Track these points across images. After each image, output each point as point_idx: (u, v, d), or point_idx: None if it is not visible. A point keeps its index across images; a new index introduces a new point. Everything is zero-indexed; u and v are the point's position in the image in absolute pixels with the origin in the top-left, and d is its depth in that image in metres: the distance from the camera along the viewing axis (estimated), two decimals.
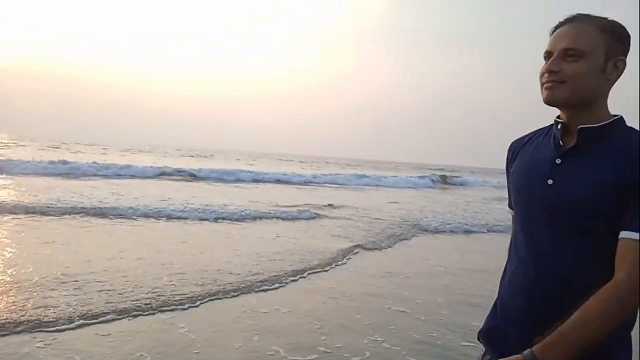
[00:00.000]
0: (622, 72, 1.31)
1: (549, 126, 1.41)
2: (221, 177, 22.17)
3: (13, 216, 8.73)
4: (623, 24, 1.32)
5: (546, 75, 1.30)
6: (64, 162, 19.98)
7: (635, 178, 1.19)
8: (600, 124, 1.29)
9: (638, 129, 1.30)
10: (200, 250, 7.27)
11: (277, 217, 11.12)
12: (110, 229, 8.41)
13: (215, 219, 10.19)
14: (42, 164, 19.01)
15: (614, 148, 1.25)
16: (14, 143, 43.47)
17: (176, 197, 13.25)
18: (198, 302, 4.84)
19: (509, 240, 1.48)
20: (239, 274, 5.91)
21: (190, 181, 20.46)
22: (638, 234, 1.17)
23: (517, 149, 1.47)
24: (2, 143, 42.35)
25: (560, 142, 1.32)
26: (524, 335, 1.25)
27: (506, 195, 1.54)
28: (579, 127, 1.29)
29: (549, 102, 1.31)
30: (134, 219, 9.51)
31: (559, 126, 1.33)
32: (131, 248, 7.05)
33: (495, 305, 1.43)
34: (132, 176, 19.84)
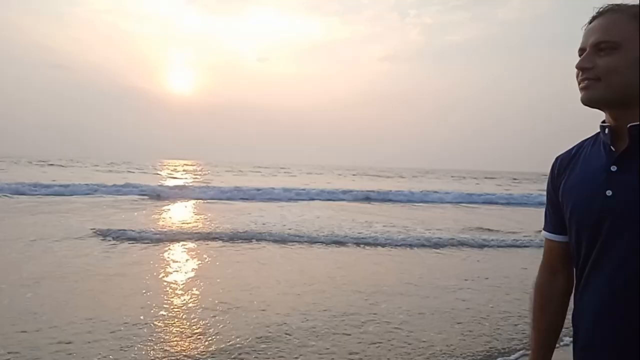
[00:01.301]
0: None
1: (595, 134, 1.26)
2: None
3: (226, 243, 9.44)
4: None
5: (580, 73, 1.17)
6: (257, 189, 22.04)
7: None
8: None
9: None
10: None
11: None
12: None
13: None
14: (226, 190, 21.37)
15: None
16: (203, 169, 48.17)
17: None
18: None
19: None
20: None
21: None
22: None
23: (564, 164, 1.30)
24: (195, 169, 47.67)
25: (612, 147, 1.17)
26: None
27: None
28: (628, 125, 1.13)
29: (585, 102, 1.17)
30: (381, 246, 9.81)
31: (607, 130, 1.18)
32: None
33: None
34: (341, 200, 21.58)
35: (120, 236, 9.48)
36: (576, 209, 1.21)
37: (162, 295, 5.84)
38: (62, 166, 45.17)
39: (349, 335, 4.68)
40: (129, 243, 9.04)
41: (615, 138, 1.16)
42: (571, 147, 1.31)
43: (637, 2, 1.15)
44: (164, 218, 13.58)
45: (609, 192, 1.13)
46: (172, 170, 50.43)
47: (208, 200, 18.91)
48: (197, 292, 6.00)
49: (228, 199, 19.90)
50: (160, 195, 19.40)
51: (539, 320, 1.36)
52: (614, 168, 1.14)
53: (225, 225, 11.56)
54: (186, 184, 27.36)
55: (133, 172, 39.25)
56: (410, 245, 9.93)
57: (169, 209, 15.81)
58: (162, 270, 7.18)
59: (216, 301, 5.57)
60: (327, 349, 4.31)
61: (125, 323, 4.73)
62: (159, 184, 24.54)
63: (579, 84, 1.17)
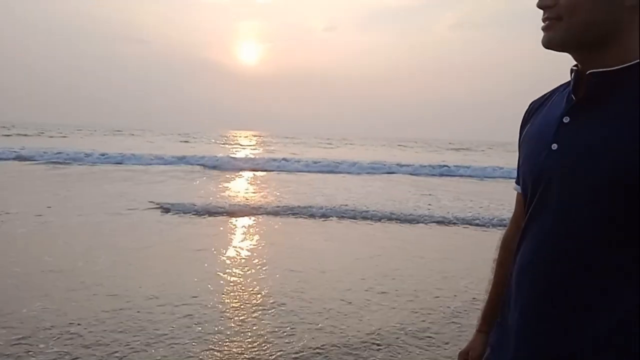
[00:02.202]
0: None
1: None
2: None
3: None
4: None
5: (542, 13, 0.99)
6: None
7: None
8: (618, 67, 0.93)
9: None
10: None
11: None
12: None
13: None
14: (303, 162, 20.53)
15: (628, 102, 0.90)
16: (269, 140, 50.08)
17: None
18: None
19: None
20: None
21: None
22: None
23: (533, 110, 1.14)
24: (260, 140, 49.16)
25: (572, 95, 0.99)
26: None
27: None
28: (587, 72, 0.96)
29: (546, 45, 1.00)
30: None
31: (572, 75, 1.00)
32: None
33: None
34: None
35: (183, 209, 8.83)
36: (525, 161, 1.09)
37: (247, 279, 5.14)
38: (133, 135, 46.53)
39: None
40: (192, 216, 8.46)
41: (578, 85, 1.00)
42: (548, 90, 1.14)
43: None
44: (235, 191, 12.93)
45: (554, 146, 0.99)
46: (237, 142, 51.40)
47: (275, 172, 18.27)
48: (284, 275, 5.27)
49: (297, 170, 18.96)
50: (225, 167, 18.74)
51: (497, 274, 1.25)
52: (566, 119, 0.99)
53: (318, 197, 10.82)
54: (252, 155, 26.77)
55: (199, 143, 39.98)
56: None
57: (238, 181, 15.30)
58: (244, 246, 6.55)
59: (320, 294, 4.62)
60: None
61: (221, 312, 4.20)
62: (225, 154, 24.00)
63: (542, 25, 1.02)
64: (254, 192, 12.36)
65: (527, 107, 1.17)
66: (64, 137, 38.45)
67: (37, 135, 38.00)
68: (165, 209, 8.79)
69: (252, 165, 19.76)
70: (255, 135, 76.25)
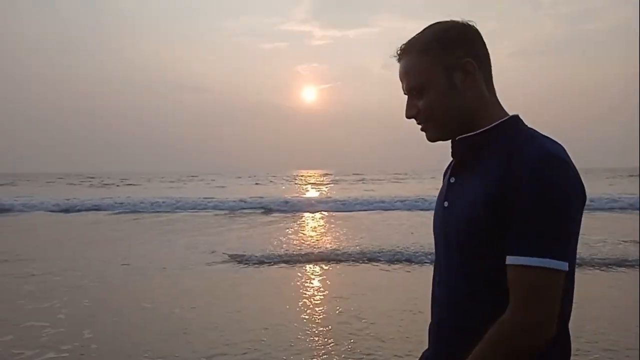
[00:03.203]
0: (478, 70, 1.13)
1: None
2: None
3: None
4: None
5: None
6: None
7: (513, 188, 1.03)
8: (478, 131, 1.14)
9: (534, 130, 1.13)
10: None
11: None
12: None
13: None
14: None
15: (497, 154, 1.09)
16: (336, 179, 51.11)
17: None
18: None
19: None
20: None
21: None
22: (522, 257, 1.02)
23: (445, 174, 1.29)
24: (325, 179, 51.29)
25: (453, 159, 1.24)
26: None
27: None
28: (456, 138, 1.17)
29: (430, 141, 1.21)
30: None
31: (451, 142, 1.21)
32: None
33: None
34: None
35: (252, 260, 8.32)
36: (434, 217, 1.26)
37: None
38: (201, 180, 47.98)
39: None
40: (265, 266, 7.96)
41: (454, 150, 1.20)
42: None
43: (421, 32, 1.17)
44: (319, 234, 12.34)
45: (445, 203, 1.19)
46: (307, 181, 52.02)
47: (346, 212, 17.53)
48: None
49: (374, 209, 18.24)
50: (292, 209, 18.34)
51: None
52: (452, 179, 1.19)
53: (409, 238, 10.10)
54: (318, 196, 26.43)
55: (270, 185, 40.21)
56: None
57: (319, 223, 14.77)
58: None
59: None
60: None
61: None
62: (299, 195, 23.79)
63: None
64: (339, 236, 11.68)
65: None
66: (136, 185, 40.43)
67: (105, 186, 40.02)
68: (246, 259, 8.33)
69: (327, 206, 19.09)
70: (324, 174, 76.56)
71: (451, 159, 1.26)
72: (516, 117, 1.14)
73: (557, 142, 1.09)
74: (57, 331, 4.77)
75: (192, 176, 60.49)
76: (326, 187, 38.16)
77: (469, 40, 1.14)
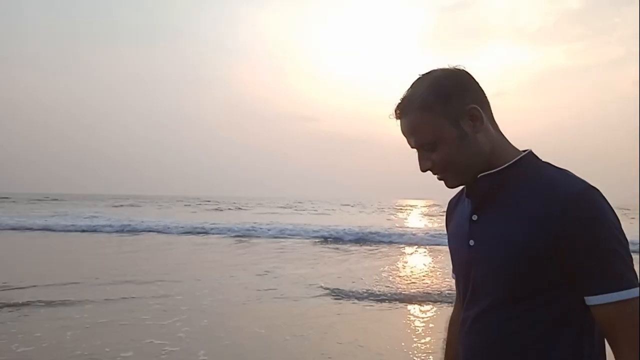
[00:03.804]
0: (483, 114, 1.13)
1: None
2: None
3: None
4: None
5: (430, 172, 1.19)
6: None
7: (561, 227, 1.02)
8: (498, 168, 1.14)
9: (550, 164, 1.14)
10: None
11: None
12: None
13: None
14: None
15: (526, 192, 1.10)
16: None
17: None
18: None
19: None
20: None
21: None
22: (610, 294, 1.00)
23: (451, 209, 1.35)
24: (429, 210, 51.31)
25: (468, 197, 1.21)
26: None
27: None
28: (478, 176, 1.16)
29: (453, 188, 1.21)
30: None
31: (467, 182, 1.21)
32: None
33: None
34: None
35: (352, 295, 7.96)
36: (453, 258, 1.27)
37: None
38: (306, 211, 48.57)
39: None
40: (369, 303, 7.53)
41: (471, 187, 1.18)
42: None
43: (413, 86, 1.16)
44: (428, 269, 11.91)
45: (471, 242, 1.17)
46: (407, 211, 50.86)
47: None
48: None
49: None
50: (398, 240, 17.77)
51: (447, 355, 1.42)
52: (474, 217, 1.17)
53: None
54: (428, 227, 25.55)
55: (372, 212, 39.57)
56: None
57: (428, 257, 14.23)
58: None
59: None
60: None
61: None
62: (399, 226, 23.17)
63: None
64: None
65: (447, 206, 1.37)
66: (245, 209, 42.04)
67: (217, 210, 42.16)
68: (350, 294, 8.16)
69: (437, 240, 18.39)
70: (429, 205, 74.75)
71: (452, 195, 1.33)
72: (531, 153, 1.16)
73: (576, 175, 1.10)
74: (174, 349, 4.93)
75: (298, 202, 61.91)
76: (437, 218, 37.07)
77: (464, 86, 1.14)
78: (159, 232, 19.34)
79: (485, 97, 1.17)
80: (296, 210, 45.45)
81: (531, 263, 1.05)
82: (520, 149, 1.18)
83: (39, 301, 6.90)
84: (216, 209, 43.08)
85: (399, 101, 1.15)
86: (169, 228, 20.11)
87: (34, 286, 7.90)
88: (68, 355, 4.72)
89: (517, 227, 1.07)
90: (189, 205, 52.25)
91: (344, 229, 19.56)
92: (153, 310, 6.51)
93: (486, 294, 1.13)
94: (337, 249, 15.25)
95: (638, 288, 1.00)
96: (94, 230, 19.51)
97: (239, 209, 43.99)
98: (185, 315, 6.28)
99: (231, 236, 18.46)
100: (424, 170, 1.17)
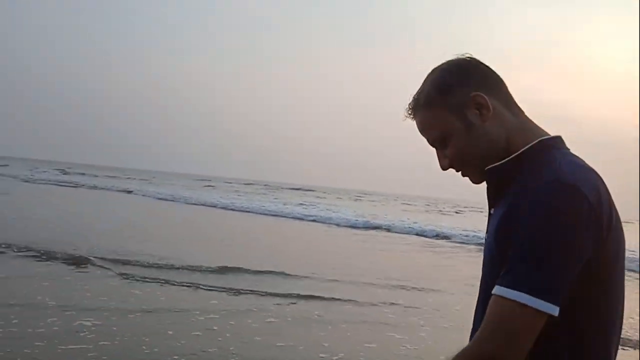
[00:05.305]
0: (490, 100, 1.08)
1: None
2: None
3: None
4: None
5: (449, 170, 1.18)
6: None
7: (514, 219, 0.99)
8: (502, 161, 1.09)
9: (561, 154, 1.05)
10: None
11: None
12: None
13: None
14: None
15: (518, 184, 1.05)
16: None
17: None
18: None
19: None
20: None
21: None
22: (498, 287, 0.98)
23: None
24: None
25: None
26: None
27: None
28: (486, 169, 1.12)
29: (479, 184, 1.16)
30: None
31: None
32: None
33: None
34: None
35: None
36: None
37: None
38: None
39: None
40: None
41: (487, 182, 1.17)
42: None
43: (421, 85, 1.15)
44: None
45: (486, 236, 1.15)
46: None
47: None
48: None
49: None
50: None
51: None
52: (492, 211, 1.15)
53: None
54: None
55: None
56: None
57: None
58: None
59: None
60: None
61: None
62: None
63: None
64: None
65: None
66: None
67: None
68: None
69: None
70: None
71: None
72: (543, 141, 1.07)
73: (580, 168, 1.01)
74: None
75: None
76: None
77: (467, 74, 1.10)
78: (416, 235, 19.26)
79: (496, 80, 1.11)
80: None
81: (495, 255, 1.03)
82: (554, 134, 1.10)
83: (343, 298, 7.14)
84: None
85: (410, 101, 1.15)
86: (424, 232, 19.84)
87: (336, 280, 8.37)
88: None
89: (496, 223, 1.05)
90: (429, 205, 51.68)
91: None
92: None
93: (481, 291, 1.12)
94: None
95: (531, 297, 0.92)
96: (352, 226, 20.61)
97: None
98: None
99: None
100: (444, 169, 1.14)
